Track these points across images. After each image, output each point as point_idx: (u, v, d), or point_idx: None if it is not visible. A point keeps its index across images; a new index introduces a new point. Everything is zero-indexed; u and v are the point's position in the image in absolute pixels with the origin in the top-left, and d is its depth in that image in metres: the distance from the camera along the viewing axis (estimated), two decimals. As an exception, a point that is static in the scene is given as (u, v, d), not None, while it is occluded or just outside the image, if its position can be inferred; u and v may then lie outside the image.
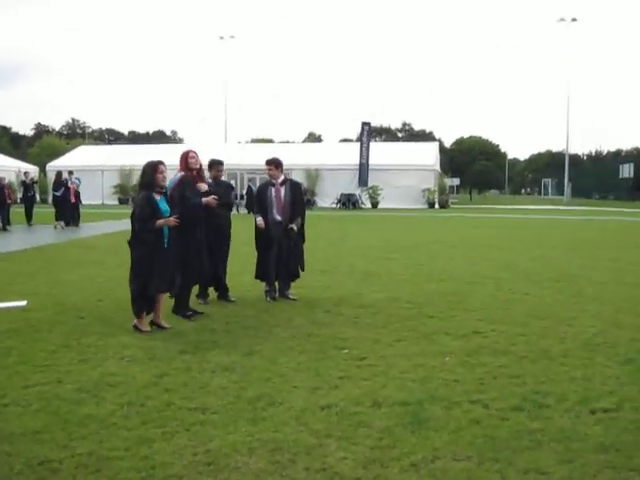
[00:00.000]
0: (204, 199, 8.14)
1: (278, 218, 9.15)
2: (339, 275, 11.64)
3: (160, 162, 7.49)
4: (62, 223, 24.47)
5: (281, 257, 9.18)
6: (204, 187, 8.28)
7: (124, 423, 4.54)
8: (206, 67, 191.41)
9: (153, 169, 7.35)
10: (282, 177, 9.35)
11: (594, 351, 6.46)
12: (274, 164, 9.34)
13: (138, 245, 7.24)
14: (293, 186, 9.50)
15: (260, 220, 9.11)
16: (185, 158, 8.34)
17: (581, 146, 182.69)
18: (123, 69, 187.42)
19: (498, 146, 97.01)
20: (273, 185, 9.28)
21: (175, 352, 6.34)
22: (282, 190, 9.23)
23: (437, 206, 46.11)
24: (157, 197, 7.30)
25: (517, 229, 25.43)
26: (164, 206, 7.33)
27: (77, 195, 26.59)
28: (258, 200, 9.45)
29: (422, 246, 17.29)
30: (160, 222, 7.24)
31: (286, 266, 9.25)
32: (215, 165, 9.30)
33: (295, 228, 9.23)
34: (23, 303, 8.80)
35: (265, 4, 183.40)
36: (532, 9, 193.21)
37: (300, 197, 9.59)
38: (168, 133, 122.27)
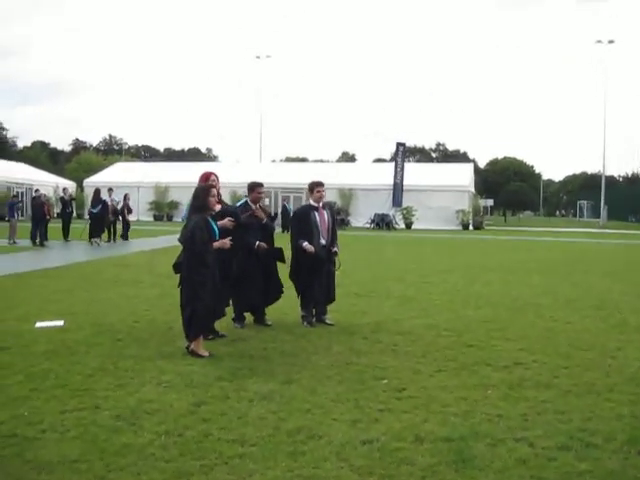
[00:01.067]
0: (219, 222, 7.75)
1: (323, 242, 9.11)
2: (376, 299, 11.51)
3: (212, 185, 7.60)
4: (98, 240, 24.72)
5: (321, 282, 9.10)
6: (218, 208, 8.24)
7: (162, 454, 4.47)
8: (242, 85, 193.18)
9: (206, 192, 7.36)
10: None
11: (642, 386, 6.26)
12: (323, 186, 9.34)
13: (201, 268, 7.11)
14: (331, 209, 9.58)
15: (310, 245, 8.93)
16: (205, 181, 8.21)
17: (617, 168, 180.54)
18: (160, 87, 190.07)
19: (533, 167, 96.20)
20: (316, 209, 9.19)
21: (212, 379, 6.27)
22: (325, 213, 9.22)
23: (471, 227, 45.75)
24: (210, 219, 7.33)
25: (554, 252, 25.07)
26: (215, 228, 7.36)
27: (115, 212, 26.89)
28: (300, 224, 9.24)
29: (458, 269, 17.09)
30: (217, 244, 7.28)
31: (326, 291, 9.16)
32: (255, 187, 9.10)
33: (338, 251, 9.33)
34: (61, 323, 8.82)
35: (302, 24, 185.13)
36: (568, 31, 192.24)
37: (334, 219, 9.65)
38: (203, 150, 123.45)
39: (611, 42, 58.91)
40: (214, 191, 7.47)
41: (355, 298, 11.52)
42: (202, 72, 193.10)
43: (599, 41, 59.37)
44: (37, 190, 27.89)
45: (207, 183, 7.93)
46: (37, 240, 23.68)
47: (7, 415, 5.21)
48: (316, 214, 9.13)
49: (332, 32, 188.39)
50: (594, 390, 6.12)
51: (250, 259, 8.73)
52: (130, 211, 28.64)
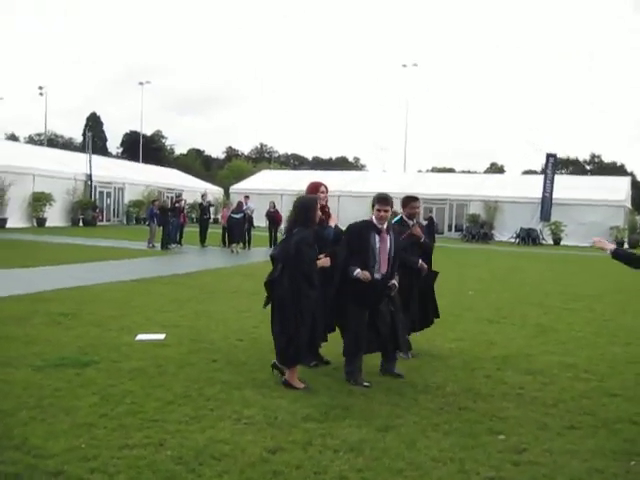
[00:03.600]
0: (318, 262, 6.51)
1: (378, 276, 6.81)
2: (508, 327, 10.27)
3: (318, 198, 6.81)
4: (238, 247, 24.73)
5: (384, 325, 6.92)
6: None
7: (211, 519, 3.72)
8: (389, 95, 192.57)
9: (313, 205, 6.60)
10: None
11: None
12: (390, 204, 6.96)
13: (309, 289, 6.31)
14: (395, 233, 7.10)
15: (362, 272, 6.67)
16: (314, 191, 7.37)
17: None
18: (308, 97, 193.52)
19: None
20: (378, 231, 6.84)
21: (299, 418, 5.47)
22: (388, 239, 6.86)
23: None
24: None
25: None
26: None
27: (250, 220, 26.97)
28: (352, 245, 6.86)
29: (609, 295, 15.33)
30: (321, 262, 6.48)
31: (394, 337, 7.04)
32: (410, 201, 8.05)
33: (396, 285, 6.98)
34: (162, 337, 8.38)
35: (448, 32, 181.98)
36: None
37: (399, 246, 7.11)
38: (350, 159, 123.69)
39: None
40: (320, 204, 6.73)
41: (486, 325, 10.37)
42: (350, 82, 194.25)
43: None
44: (179, 196, 28.46)
45: (314, 195, 7.14)
46: (167, 244, 24.16)
47: (62, 447, 4.66)
48: (376, 237, 6.82)
49: (479, 38, 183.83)
50: None
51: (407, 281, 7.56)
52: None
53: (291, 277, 6.36)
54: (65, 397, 5.80)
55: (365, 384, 6.58)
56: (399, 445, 4.96)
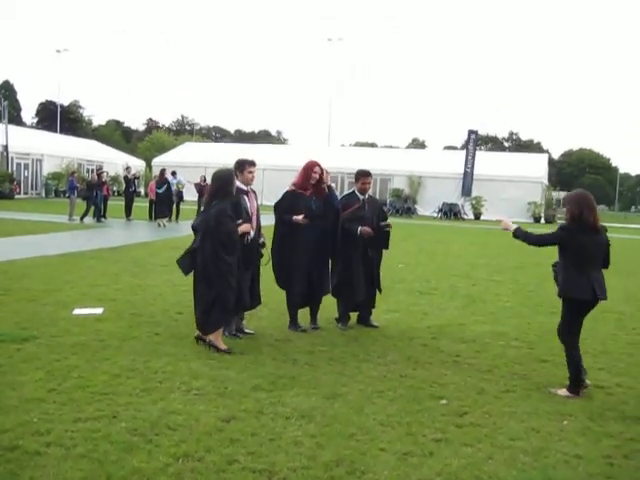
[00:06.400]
0: (294, 217, 7.53)
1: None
2: (439, 299, 10.63)
3: (233, 170, 7.23)
4: (164, 221, 24.33)
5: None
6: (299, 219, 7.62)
7: (174, 485, 3.80)
8: (314, 69, 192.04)
9: (231, 178, 7.00)
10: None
11: None
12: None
13: (229, 256, 6.66)
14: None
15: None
16: (307, 170, 7.78)
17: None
18: (232, 69, 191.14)
19: (609, 160, 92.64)
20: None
21: (248, 388, 5.58)
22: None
23: (543, 221, 43.96)
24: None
25: (633, 251, 23.48)
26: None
27: (179, 194, 26.68)
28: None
29: (530, 267, 15.98)
30: (242, 228, 6.88)
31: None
32: (361, 177, 8.28)
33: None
34: (99, 311, 8.31)
35: (374, 7, 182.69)
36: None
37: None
38: (273, 133, 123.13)
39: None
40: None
41: (417, 297, 10.69)
42: (274, 55, 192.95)
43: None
44: (100, 168, 27.87)
45: (229, 169, 7.31)
46: (100, 218, 23.67)
47: (14, 421, 4.64)
48: (246, 198, 7.44)
49: (402, 15, 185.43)
50: (692, 426, 5.18)
51: (351, 249, 7.98)
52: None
53: (212, 245, 6.68)
54: (8, 372, 5.73)
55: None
56: (348, 411, 5.14)
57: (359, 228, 7.94)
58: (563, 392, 5.89)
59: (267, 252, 7.67)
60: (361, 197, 8.22)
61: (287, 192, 7.88)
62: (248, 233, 7.06)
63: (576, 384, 5.89)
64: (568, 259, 5.95)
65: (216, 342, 6.67)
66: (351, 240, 7.91)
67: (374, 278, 8.28)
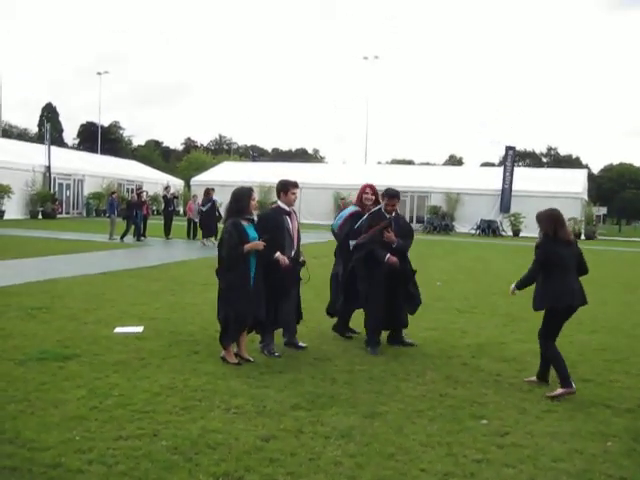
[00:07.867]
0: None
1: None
2: (479, 317, 10.51)
3: (252, 189, 7.37)
4: (212, 239, 23.41)
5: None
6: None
7: (215, 505, 3.81)
8: (350, 87, 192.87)
9: (248, 196, 7.15)
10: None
11: None
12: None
13: (228, 274, 6.95)
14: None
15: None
16: (360, 192, 8.46)
17: None
18: (269, 88, 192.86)
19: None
20: (287, 214, 7.61)
21: (287, 407, 5.58)
22: (295, 219, 7.72)
23: (583, 237, 43.31)
24: (245, 224, 7.03)
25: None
26: (252, 233, 7.04)
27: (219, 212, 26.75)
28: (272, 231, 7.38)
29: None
30: (247, 246, 6.89)
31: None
32: (386, 198, 8.12)
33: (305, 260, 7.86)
34: (140, 329, 8.40)
35: (410, 26, 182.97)
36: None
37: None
38: (310, 151, 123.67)
39: None
40: (255, 195, 7.28)
41: (456, 314, 10.59)
42: (311, 74, 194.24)
43: None
44: (139, 188, 28.19)
45: (248, 187, 7.41)
46: (139, 237, 23.89)
47: (57, 439, 4.70)
48: (288, 219, 7.54)
49: (441, 33, 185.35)
50: None
51: (377, 273, 7.80)
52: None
53: (218, 263, 7.10)
54: (51, 390, 5.82)
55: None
56: (387, 431, 5.10)
57: (387, 255, 7.71)
58: (559, 392, 6.16)
59: (306, 271, 7.68)
60: (388, 215, 8.06)
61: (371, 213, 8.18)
62: (272, 251, 7.10)
63: (566, 380, 6.19)
64: (548, 271, 6.48)
65: (228, 357, 6.99)
66: (375, 263, 7.78)
67: (401, 296, 8.06)
